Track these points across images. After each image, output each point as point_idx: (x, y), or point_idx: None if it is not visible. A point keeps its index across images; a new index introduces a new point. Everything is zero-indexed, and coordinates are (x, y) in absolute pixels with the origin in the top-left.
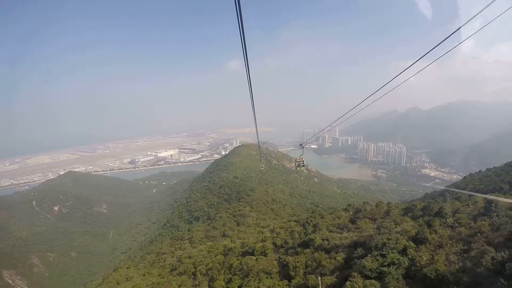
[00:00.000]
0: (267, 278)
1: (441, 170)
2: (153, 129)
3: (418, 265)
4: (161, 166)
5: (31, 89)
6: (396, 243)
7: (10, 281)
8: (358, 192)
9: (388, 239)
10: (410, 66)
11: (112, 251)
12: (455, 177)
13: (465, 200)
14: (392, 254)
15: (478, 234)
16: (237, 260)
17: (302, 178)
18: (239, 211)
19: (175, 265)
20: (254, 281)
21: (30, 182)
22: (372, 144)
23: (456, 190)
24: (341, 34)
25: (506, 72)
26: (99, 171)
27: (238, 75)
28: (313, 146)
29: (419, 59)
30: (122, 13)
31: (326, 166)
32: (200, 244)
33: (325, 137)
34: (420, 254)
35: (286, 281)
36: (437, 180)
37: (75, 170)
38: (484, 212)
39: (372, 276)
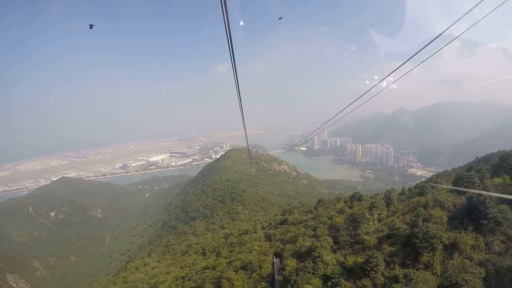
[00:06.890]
0: (256, 241)
1: (428, 169)
2: (143, 133)
3: (335, 223)
4: (153, 170)
5: (20, 94)
6: (328, 214)
7: (14, 285)
8: (345, 192)
9: (325, 212)
10: (396, 68)
11: (110, 253)
12: None
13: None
14: (323, 218)
15: (374, 207)
16: (236, 238)
17: (291, 180)
18: (233, 209)
19: (185, 250)
20: (249, 244)
21: (23, 188)
22: (360, 145)
23: (434, 185)
24: (331, 36)
25: (493, 72)
26: (91, 177)
27: (226, 78)
28: (302, 148)
29: (405, 62)
30: (109, 18)
31: (315, 168)
32: (203, 235)
33: (314, 139)
34: (338, 219)
35: (268, 242)
36: (423, 179)
37: (67, 176)
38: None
39: (311, 229)
